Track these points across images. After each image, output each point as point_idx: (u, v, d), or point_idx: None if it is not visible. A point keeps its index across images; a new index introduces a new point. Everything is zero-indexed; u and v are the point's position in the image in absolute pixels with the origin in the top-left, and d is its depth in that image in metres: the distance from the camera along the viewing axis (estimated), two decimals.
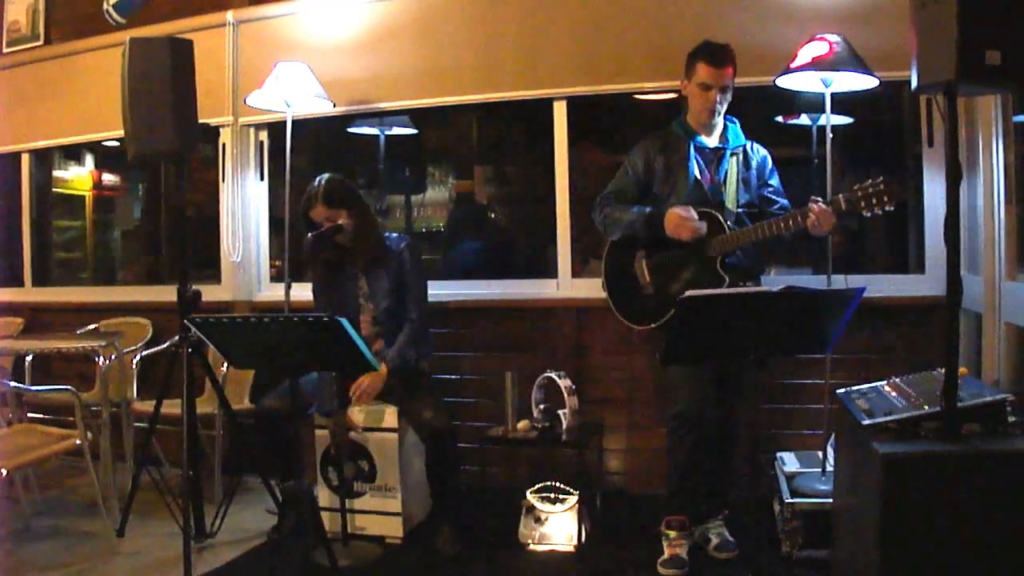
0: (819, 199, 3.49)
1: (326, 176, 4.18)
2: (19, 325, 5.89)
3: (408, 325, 4.19)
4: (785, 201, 3.90)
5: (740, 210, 3.82)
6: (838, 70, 3.75)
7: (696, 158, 3.85)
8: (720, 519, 3.86)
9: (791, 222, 3.55)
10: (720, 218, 3.73)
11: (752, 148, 3.94)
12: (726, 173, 3.84)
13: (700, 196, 3.81)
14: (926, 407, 2.72)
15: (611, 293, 4.09)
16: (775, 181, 3.94)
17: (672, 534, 3.70)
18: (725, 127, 3.92)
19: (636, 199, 3.95)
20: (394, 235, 4.36)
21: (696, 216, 3.72)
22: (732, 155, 3.87)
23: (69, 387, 4.12)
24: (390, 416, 4.10)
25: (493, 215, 6.00)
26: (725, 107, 3.85)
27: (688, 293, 2.81)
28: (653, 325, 3.89)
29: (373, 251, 4.21)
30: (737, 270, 3.78)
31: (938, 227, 2.78)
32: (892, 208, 3.33)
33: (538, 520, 4.02)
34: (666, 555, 3.70)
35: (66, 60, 5.91)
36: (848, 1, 4.20)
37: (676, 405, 3.79)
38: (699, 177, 3.84)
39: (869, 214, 3.37)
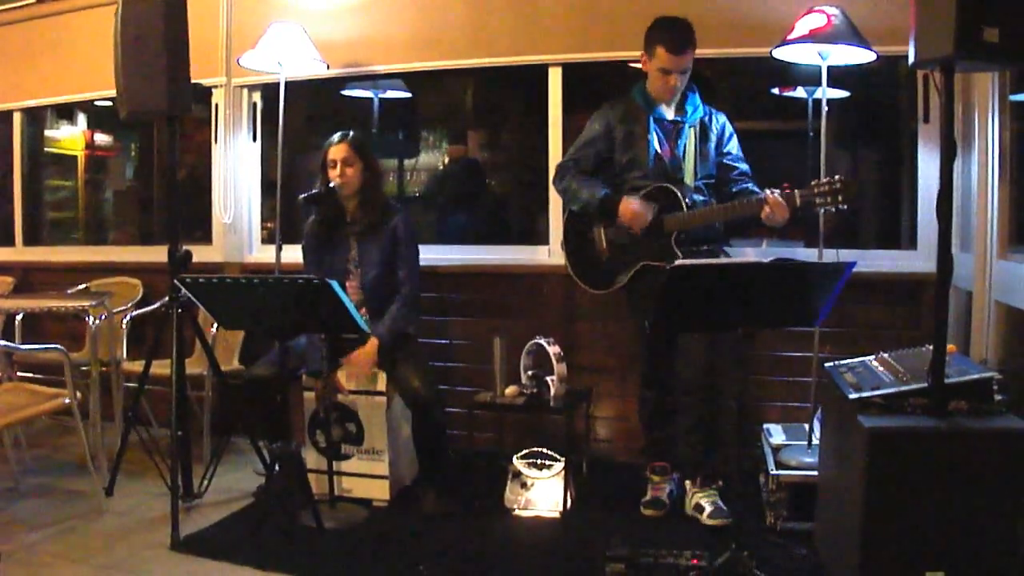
0: (776, 190, 3.59)
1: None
2: (10, 284, 5.87)
3: (400, 297, 4.16)
4: (744, 166, 3.99)
5: (699, 182, 3.92)
6: (835, 43, 3.73)
7: (656, 131, 3.95)
8: (715, 488, 3.85)
9: (747, 208, 3.65)
10: (678, 194, 3.82)
11: (711, 118, 4.00)
12: (685, 147, 3.93)
13: (661, 170, 3.93)
14: (913, 383, 2.74)
15: (569, 256, 4.21)
16: (733, 147, 4.01)
17: (655, 478, 4.00)
18: (685, 96, 3.98)
19: (595, 166, 4.08)
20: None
21: (650, 213, 3.85)
22: (690, 128, 3.95)
23: (58, 346, 4.11)
24: (378, 380, 4.10)
25: (487, 180, 5.99)
26: (684, 84, 3.92)
27: (678, 263, 2.83)
28: (602, 291, 4.10)
29: (375, 217, 4.20)
30: (689, 240, 3.88)
31: (931, 204, 2.80)
32: (846, 207, 3.43)
33: (524, 486, 4.04)
34: (648, 496, 3.98)
35: (59, 18, 5.83)
36: None
37: None
38: (659, 151, 3.94)
39: (823, 211, 3.49)
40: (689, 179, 3.89)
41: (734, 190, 3.92)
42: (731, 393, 3.81)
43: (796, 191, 3.53)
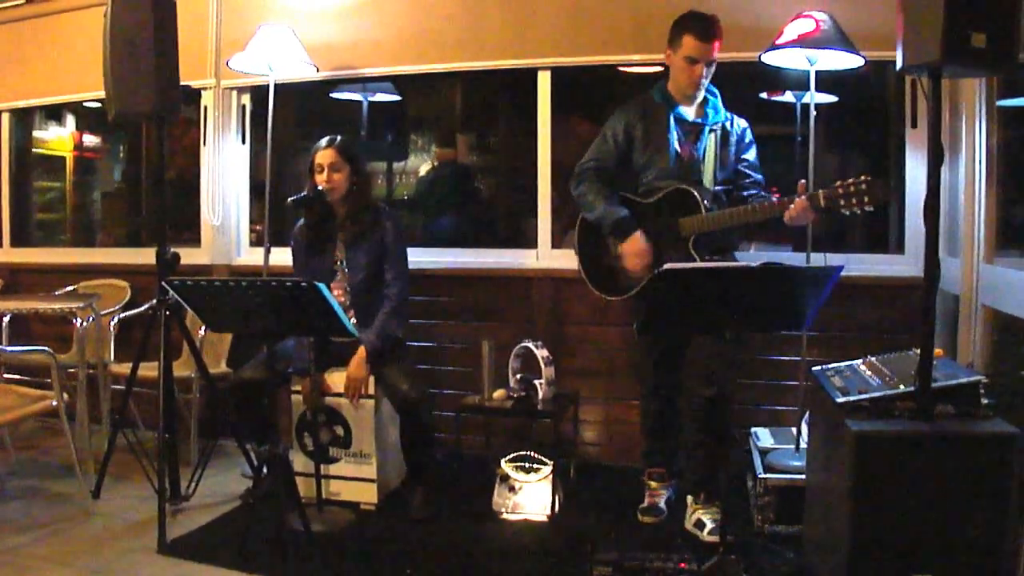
0: (801, 195, 3.44)
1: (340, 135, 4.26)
2: None
3: (388, 302, 4.15)
4: (758, 176, 3.89)
5: (717, 188, 3.81)
6: (824, 48, 3.74)
7: (676, 130, 3.83)
8: (718, 505, 3.71)
9: (768, 211, 3.56)
10: (697, 197, 3.69)
11: (731, 123, 3.91)
12: (705, 149, 3.83)
13: (680, 171, 3.80)
14: (900, 387, 2.75)
15: (583, 262, 4.07)
16: (751, 155, 3.92)
17: (653, 484, 4.02)
18: (705, 99, 3.89)
19: (616, 169, 3.92)
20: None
21: (651, 258, 3.74)
22: (711, 131, 3.85)
23: (46, 348, 4.10)
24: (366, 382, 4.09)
25: (475, 184, 5.99)
26: (709, 79, 3.82)
27: (666, 266, 2.80)
28: (617, 297, 3.94)
29: (364, 221, 4.19)
30: (707, 245, 3.75)
31: (918, 208, 2.81)
32: (872, 209, 3.27)
33: (512, 489, 4.03)
34: (646, 503, 3.99)
35: (48, 19, 5.81)
36: None
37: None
38: (679, 150, 3.82)
39: (849, 213, 3.32)
40: (708, 182, 3.78)
41: (745, 195, 3.82)
42: (712, 395, 3.75)
43: (820, 191, 3.38)
